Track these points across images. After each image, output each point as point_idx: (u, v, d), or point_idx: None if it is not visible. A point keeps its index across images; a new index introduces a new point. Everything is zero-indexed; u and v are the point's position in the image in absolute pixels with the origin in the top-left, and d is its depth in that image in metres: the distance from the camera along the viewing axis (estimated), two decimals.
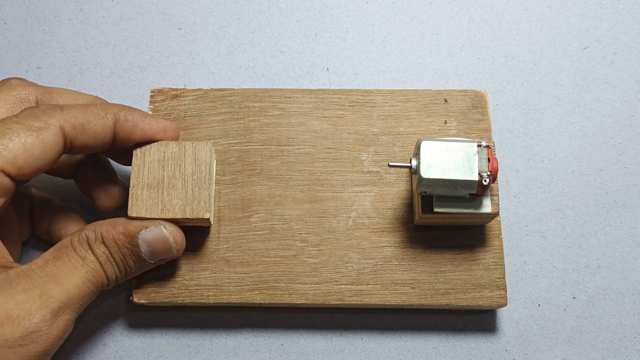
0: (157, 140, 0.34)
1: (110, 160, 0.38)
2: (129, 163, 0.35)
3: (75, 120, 0.31)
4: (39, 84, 0.42)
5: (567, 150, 0.41)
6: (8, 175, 0.29)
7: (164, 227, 0.33)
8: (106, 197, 0.36)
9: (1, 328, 0.27)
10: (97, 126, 0.31)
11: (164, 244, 0.32)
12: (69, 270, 0.30)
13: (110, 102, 0.38)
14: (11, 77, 0.34)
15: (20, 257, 0.38)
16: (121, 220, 0.32)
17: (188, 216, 0.33)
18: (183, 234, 0.34)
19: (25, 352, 0.27)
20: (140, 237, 0.32)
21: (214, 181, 0.37)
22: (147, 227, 0.32)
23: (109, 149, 0.34)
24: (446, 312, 0.38)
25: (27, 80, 0.34)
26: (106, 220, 0.32)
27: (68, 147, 0.31)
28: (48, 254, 0.30)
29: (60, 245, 0.31)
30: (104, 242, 0.31)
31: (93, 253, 0.30)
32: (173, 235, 0.33)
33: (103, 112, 0.32)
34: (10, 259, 0.30)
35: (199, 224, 0.35)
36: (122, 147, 0.34)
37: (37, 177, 0.36)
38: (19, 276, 0.28)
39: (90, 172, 0.36)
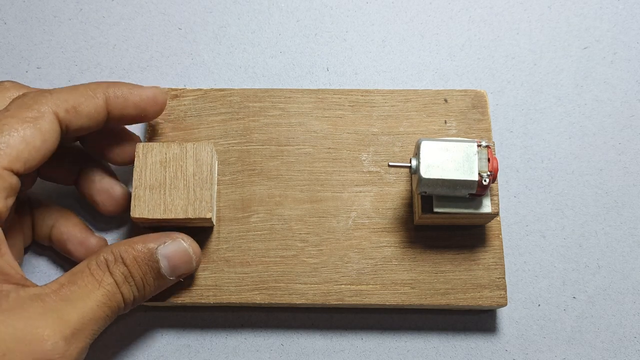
0: (150, 111, 0.34)
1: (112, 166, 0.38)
2: (127, 163, 0.36)
3: (67, 104, 0.30)
4: (39, 84, 0.43)
5: (567, 150, 0.41)
6: (16, 173, 0.29)
7: (183, 240, 0.32)
8: (109, 202, 0.36)
9: (11, 354, 0.25)
10: (90, 107, 0.31)
11: (184, 256, 0.32)
12: (84, 294, 0.28)
13: None
14: (4, 80, 0.34)
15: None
16: (137, 238, 0.31)
17: (190, 216, 0.33)
18: (199, 247, 0.34)
19: None
20: (159, 252, 0.31)
21: (216, 181, 0.37)
22: (165, 242, 0.31)
23: (103, 129, 0.34)
24: (446, 312, 0.38)
25: (19, 83, 0.34)
26: (122, 241, 0.31)
27: (64, 131, 0.31)
28: (63, 278, 0.29)
29: (76, 270, 0.30)
30: (124, 262, 0.30)
31: (111, 275, 0.29)
32: (192, 248, 0.33)
33: (92, 92, 0.32)
34: (22, 273, 0.29)
35: (201, 224, 0.35)
36: (118, 124, 0.34)
37: (38, 182, 0.36)
38: (32, 299, 0.27)
39: (92, 177, 0.36)
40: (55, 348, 0.26)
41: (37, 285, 0.29)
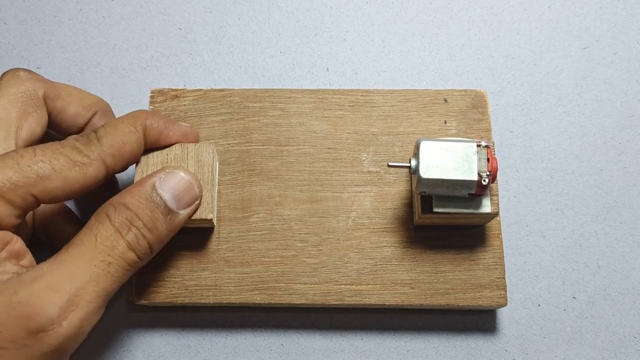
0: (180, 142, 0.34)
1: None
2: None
3: (114, 149, 0.30)
4: None
5: (567, 150, 0.41)
6: (41, 201, 0.28)
7: (176, 170, 0.31)
8: None
9: (4, 328, 0.24)
10: (133, 145, 0.31)
11: (185, 184, 0.31)
12: (79, 254, 0.26)
13: (110, 103, 0.38)
14: (19, 68, 0.33)
15: None
16: (130, 186, 0.30)
17: (191, 217, 0.33)
18: (194, 174, 0.33)
19: (32, 352, 0.25)
20: (158, 187, 0.30)
21: (217, 182, 0.37)
22: (160, 177, 0.30)
23: None
24: (446, 312, 0.38)
25: (35, 74, 0.33)
26: (117, 194, 0.29)
27: (110, 174, 0.31)
28: (66, 245, 0.27)
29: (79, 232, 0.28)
30: (126, 207, 0.28)
31: (111, 223, 0.27)
32: (188, 174, 0.32)
33: (133, 127, 0.31)
34: (34, 262, 0.28)
35: (202, 224, 0.35)
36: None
37: None
38: (29, 272, 0.26)
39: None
40: (49, 319, 0.25)
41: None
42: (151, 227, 0.29)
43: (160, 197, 0.30)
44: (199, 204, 0.33)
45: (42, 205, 0.35)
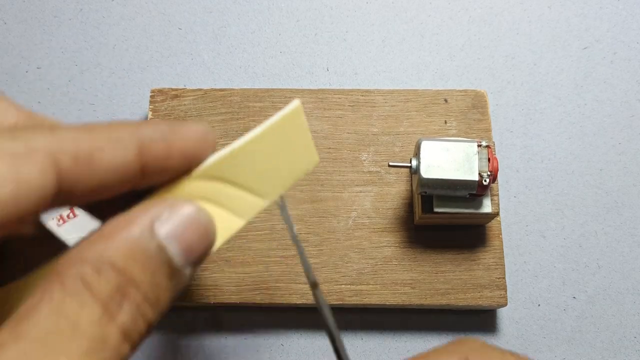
0: (200, 159, 0.21)
1: None
2: None
3: (77, 147, 0.18)
4: (39, 84, 0.42)
5: (567, 150, 0.41)
6: None
7: (183, 205, 0.19)
8: None
9: None
10: (114, 157, 0.19)
11: (197, 228, 0.20)
12: (47, 350, 0.16)
13: (110, 103, 0.38)
14: None
15: None
16: (112, 223, 0.18)
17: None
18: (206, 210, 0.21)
19: None
20: (157, 232, 0.18)
21: None
22: (160, 216, 0.19)
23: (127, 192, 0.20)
24: (446, 312, 0.38)
25: (8, 99, 0.22)
26: (92, 236, 0.18)
27: (65, 191, 0.18)
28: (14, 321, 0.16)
29: (30, 305, 0.16)
30: (113, 267, 0.17)
31: (94, 296, 0.17)
32: (201, 211, 0.20)
33: (117, 133, 0.19)
34: None
35: None
36: (151, 182, 0.20)
37: None
38: None
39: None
40: None
41: None
42: (153, 298, 0.18)
43: (163, 250, 0.18)
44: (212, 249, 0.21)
45: None
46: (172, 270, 0.19)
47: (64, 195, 0.18)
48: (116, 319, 0.17)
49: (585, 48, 0.43)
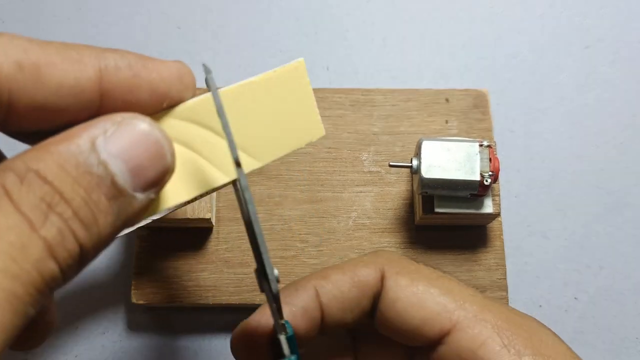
0: (173, 98, 0.20)
1: None
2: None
3: (24, 56, 0.16)
4: None
5: (569, 150, 0.41)
6: None
7: (136, 119, 0.17)
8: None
9: None
10: (66, 74, 0.17)
11: (149, 146, 0.17)
12: None
13: None
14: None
15: None
16: (52, 138, 0.16)
17: (189, 216, 0.33)
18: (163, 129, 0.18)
19: None
20: (99, 147, 0.16)
21: None
22: (106, 130, 0.17)
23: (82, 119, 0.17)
24: None
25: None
26: (28, 149, 0.16)
27: (5, 103, 0.16)
28: None
29: None
30: (40, 178, 0.15)
31: (14, 205, 0.15)
32: (155, 127, 0.18)
33: (76, 51, 0.18)
34: None
35: (200, 224, 0.35)
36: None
37: None
38: None
39: None
40: None
41: None
42: (86, 217, 0.16)
43: (105, 167, 0.16)
44: (168, 179, 0.18)
45: None
46: (115, 190, 0.16)
47: (4, 111, 0.16)
48: (39, 231, 0.15)
49: (587, 47, 0.43)
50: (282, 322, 0.21)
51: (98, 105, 0.18)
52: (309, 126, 0.21)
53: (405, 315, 0.24)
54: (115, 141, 0.17)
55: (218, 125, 0.19)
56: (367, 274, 0.25)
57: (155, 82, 0.19)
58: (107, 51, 0.19)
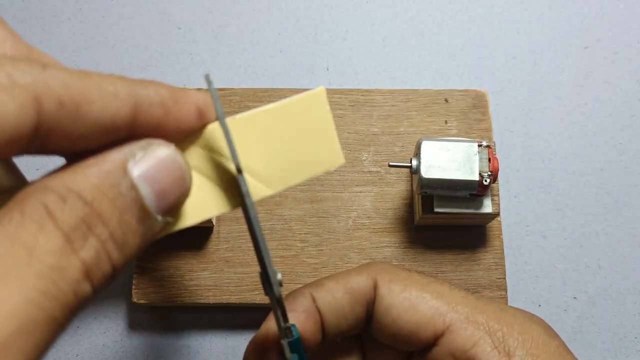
0: (194, 130, 0.20)
1: None
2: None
3: (65, 93, 0.16)
4: None
5: (568, 150, 0.41)
6: None
7: (159, 146, 0.18)
8: None
9: None
10: (104, 112, 0.17)
11: (173, 170, 0.18)
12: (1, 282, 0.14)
13: None
14: None
15: None
16: (86, 161, 0.17)
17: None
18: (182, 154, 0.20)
19: None
20: (131, 172, 0.17)
21: None
22: (135, 155, 0.18)
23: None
24: None
25: (7, 27, 0.21)
26: (62, 170, 0.17)
27: (43, 136, 0.16)
28: None
29: None
30: (81, 198, 0.16)
31: (56, 225, 0.15)
32: (173, 151, 0.19)
33: (114, 87, 0.17)
34: None
35: (201, 224, 0.35)
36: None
37: None
38: None
39: None
40: None
41: None
42: (120, 239, 0.17)
43: (136, 190, 0.17)
44: (184, 203, 0.20)
45: None
46: (143, 212, 0.17)
47: (42, 139, 0.16)
48: (78, 252, 0.15)
49: (586, 47, 0.43)
50: (289, 325, 0.22)
51: (128, 135, 0.18)
52: (328, 154, 0.21)
53: (400, 320, 0.25)
54: (143, 165, 0.17)
55: (227, 151, 0.19)
56: (359, 282, 0.26)
57: (183, 119, 0.19)
58: (141, 85, 0.18)
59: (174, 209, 0.19)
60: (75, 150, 0.18)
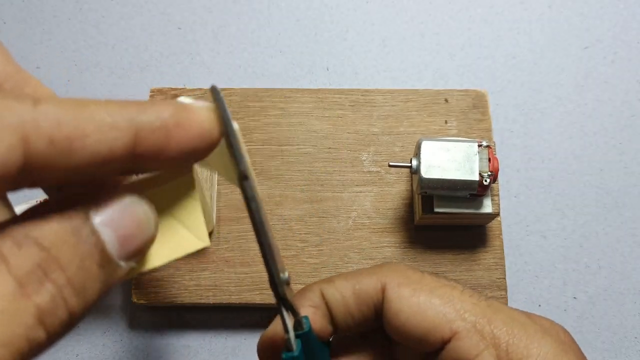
0: (197, 154, 0.19)
1: None
2: None
3: (56, 129, 0.16)
4: None
5: (568, 150, 0.41)
6: None
7: (121, 194, 0.18)
8: None
9: None
10: (99, 145, 0.16)
11: (135, 216, 0.18)
12: None
13: None
14: None
15: None
16: (47, 207, 0.17)
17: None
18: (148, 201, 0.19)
19: None
20: (93, 219, 0.17)
21: (216, 182, 0.37)
22: (99, 205, 0.17)
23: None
24: None
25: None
26: (28, 218, 0.16)
27: (30, 174, 0.16)
28: None
29: None
30: (38, 244, 0.16)
31: (9, 271, 0.15)
32: (139, 200, 0.18)
33: (109, 114, 0.16)
34: None
35: None
36: (141, 170, 0.19)
37: None
38: None
39: None
40: None
41: None
42: (78, 284, 0.16)
43: (97, 237, 0.17)
44: (149, 247, 0.19)
45: None
46: (105, 258, 0.17)
47: (32, 176, 0.16)
48: (32, 297, 0.15)
49: (586, 48, 0.43)
50: (301, 317, 0.23)
51: (129, 167, 0.18)
52: (195, 237, 0.20)
53: (408, 324, 0.25)
54: (105, 212, 0.17)
55: (194, 193, 0.20)
56: (367, 284, 0.26)
57: (184, 143, 0.18)
58: (142, 110, 0.17)
59: (138, 254, 0.19)
60: (74, 183, 0.18)
